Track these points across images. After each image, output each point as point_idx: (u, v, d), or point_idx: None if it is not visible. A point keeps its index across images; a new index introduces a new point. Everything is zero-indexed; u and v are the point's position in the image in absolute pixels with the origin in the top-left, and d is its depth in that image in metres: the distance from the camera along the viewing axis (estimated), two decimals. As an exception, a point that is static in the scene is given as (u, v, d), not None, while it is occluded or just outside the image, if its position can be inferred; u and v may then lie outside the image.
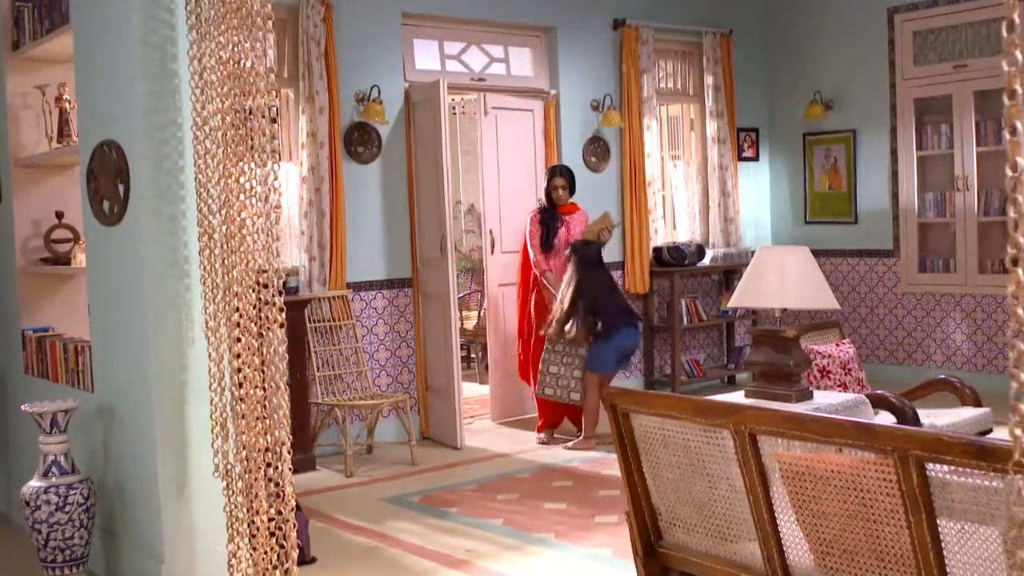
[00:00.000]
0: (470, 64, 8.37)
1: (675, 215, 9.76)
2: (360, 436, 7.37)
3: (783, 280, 4.65)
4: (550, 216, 7.69)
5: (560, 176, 7.73)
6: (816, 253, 9.73)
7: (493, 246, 8.21)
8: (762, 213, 10.37)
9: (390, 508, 5.99)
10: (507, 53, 8.61)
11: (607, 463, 6.61)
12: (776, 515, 3.24)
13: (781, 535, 3.25)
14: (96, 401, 4.79)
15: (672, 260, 9.11)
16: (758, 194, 10.33)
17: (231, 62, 3.87)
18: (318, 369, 7.25)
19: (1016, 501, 1.81)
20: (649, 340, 9.27)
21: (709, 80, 9.64)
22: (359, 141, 7.58)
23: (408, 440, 7.05)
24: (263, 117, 3.77)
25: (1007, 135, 1.79)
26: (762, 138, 10.31)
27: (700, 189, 9.79)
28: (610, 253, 8.86)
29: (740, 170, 10.02)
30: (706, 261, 9.45)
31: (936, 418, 5.33)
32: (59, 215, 5.62)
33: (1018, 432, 1.86)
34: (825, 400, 4.67)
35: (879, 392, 5.12)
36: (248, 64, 3.79)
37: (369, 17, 7.64)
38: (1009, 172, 1.81)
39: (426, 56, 8.14)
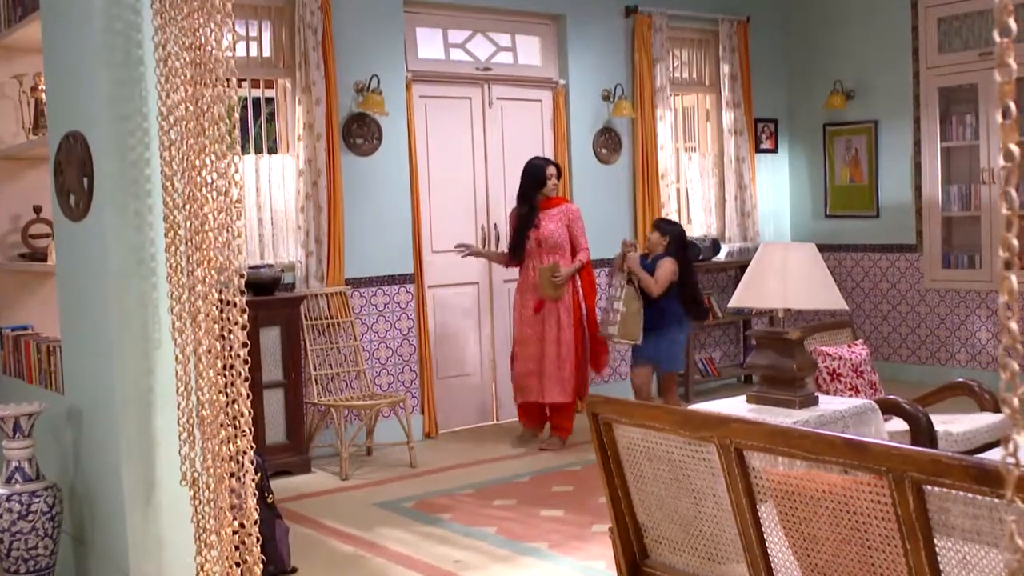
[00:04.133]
0: (475, 53, 8.11)
1: (690, 208, 9.46)
2: (359, 437, 7.14)
3: (786, 279, 4.37)
4: (525, 219, 7.14)
5: (552, 165, 7.22)
6: (836, 248, 9.58)
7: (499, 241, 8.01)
8: (781, 206, 10.06)
9: (382, 514, 5.77)
10: (514, 41, 8.34)
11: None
12: (765, 536, 2.99)
13: (771, 558, 2.99)
14: (66, 403, 4.58)
15: (686, 255, 8.83)
16: (776, 187, 10.02)
17: (194, 48, 3.66)
18: (315, 368, 7.03)
19: (1008, 546, 1.55)
20: (662, 337, 8.99)
21: (725, 69, 9.35)
22: (358, 133, 7.35)
23: (407, 441, 6.82)
24: (222, 106, 3.54)
25: (999, 118, 1.52)
26: (781, 129, 9.99)
27: (716, 182, 9.50)
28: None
29: (758, 162, 9.72)
30: (721, 256, 9.18)
31: (952, 425, 5.04)
32: (37, 209, 5.42)
33: (1011, 462, 1.60)
34: (831, 406, 4.40)
35: (891, 397, 4.84)
36: (209, 51, 3.58)
37: (369, 4, 7.39)
38: (1001, 161, 1.54)
39: (429, 45, 7.90)
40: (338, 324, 7.19)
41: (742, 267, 9.12)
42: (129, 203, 4.03)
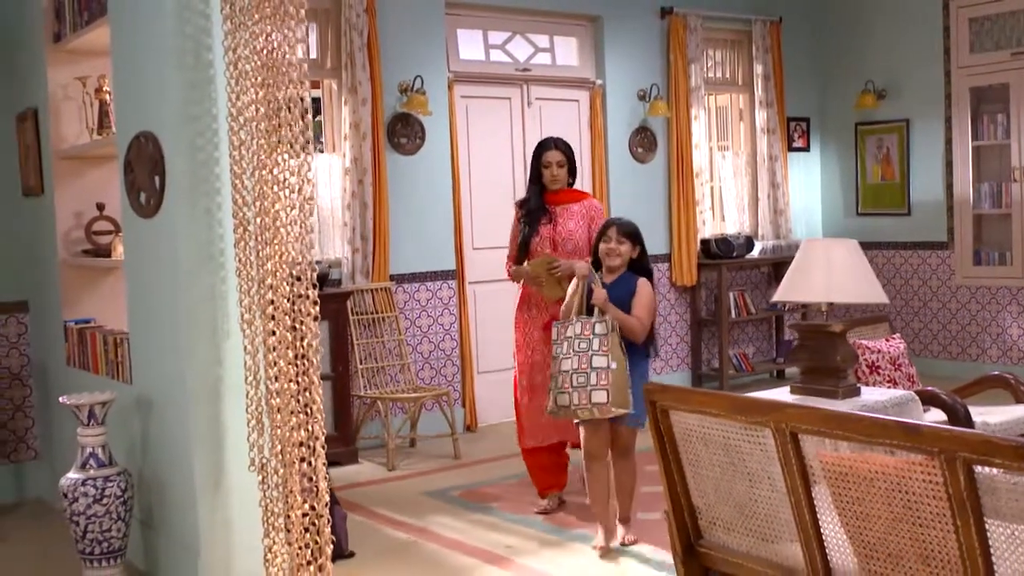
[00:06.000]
0: (515, 54, 8.28)
1: (723, 206, 9.61)
2: (403, 429, 7.33)
3: (829, 273, 4.52)
4: (531, 213, 5.63)
5: (555, 149, 5.61)
6: (868, 245, 9.67)
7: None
8: (813, 205, 10.19)
9: (431, 502, 5.94)
10: (552, 43, 8.51)
11: (652, 458, 6.48)
12: (819, 516, 3.14)
13: (824, 537, 3.14)
14: (135, 393, 4.78)
15: (720, 252, 8.98)
16: (809, 185, 10.15)
17: (264, 52, 3.83)
18: (361, 362, 7.21)
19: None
20: (696, 334, 9.15)
21: (758, 69, 9.48)
22: (402, 132, 7.53)
23: (451, 433, 7.00)
24: (296, 108, 3.72)
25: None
26: (813, 128, 10.12)
27: (749, 180, 9.64)
28: (657, 245, 8.76)
29: (790, 161, 9.84)
30: (755, 253, 9.30)
31: (989, 416, 5.17)
32: (100, 207, 5.62)
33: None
34: (873, 397, 4.53)
35: (929, 389, 4.97)
36: (281, 54, 3.75)
37: (412, 7, 7.58)
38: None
39: (470, 46, 8.07)
40: (383, 319, 7.38)
41: (775, 264, 9.30)
42: (199, 200, 4.22)
